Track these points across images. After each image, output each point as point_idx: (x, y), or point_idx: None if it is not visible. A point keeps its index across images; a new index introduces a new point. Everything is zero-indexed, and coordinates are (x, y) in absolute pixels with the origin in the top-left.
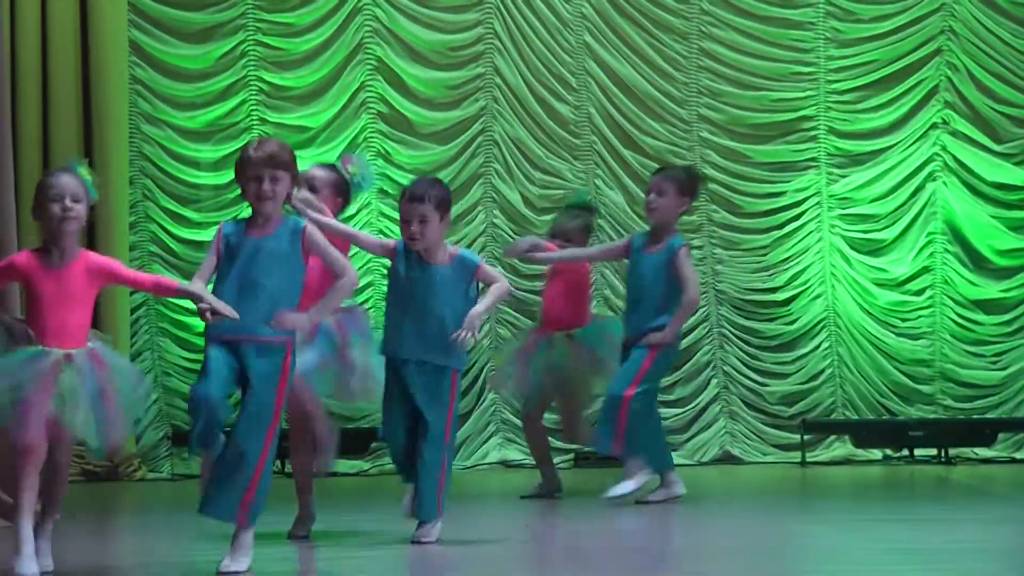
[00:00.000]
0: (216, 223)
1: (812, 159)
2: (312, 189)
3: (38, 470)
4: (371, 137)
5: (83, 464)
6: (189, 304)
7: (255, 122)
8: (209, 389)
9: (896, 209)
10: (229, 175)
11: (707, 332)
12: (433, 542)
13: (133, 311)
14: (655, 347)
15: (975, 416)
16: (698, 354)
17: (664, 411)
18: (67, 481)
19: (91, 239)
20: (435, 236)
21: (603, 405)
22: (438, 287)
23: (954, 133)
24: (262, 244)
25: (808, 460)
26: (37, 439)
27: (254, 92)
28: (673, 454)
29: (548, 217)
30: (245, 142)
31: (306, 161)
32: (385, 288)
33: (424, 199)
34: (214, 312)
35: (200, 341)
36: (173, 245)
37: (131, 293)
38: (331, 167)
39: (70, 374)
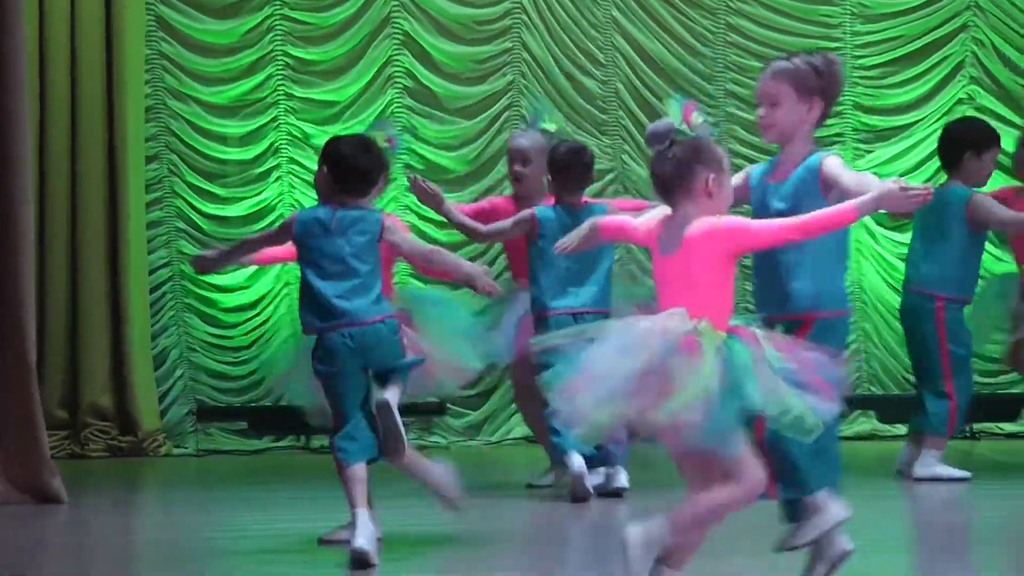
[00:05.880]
0: (242, 199)
1: (838, 134)
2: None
3: None
4: (397, 111)
5: (108, 440)
6: (218, 280)
7: (281, 97)
8: None
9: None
10: (255, 150)
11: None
12: None
13: (159, 287)
14: None
15: (1000, 391)
16: None
17: None
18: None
19: (113, 216)
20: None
21: None
22: None
23: (979, 109)
24: None
25: None
26: None
27: (280, 67)
28: None
29: None
30: None
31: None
32: None
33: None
34: None
35: (227, 318)
36: (199, 220)
37: (150, 272)
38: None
39: None
